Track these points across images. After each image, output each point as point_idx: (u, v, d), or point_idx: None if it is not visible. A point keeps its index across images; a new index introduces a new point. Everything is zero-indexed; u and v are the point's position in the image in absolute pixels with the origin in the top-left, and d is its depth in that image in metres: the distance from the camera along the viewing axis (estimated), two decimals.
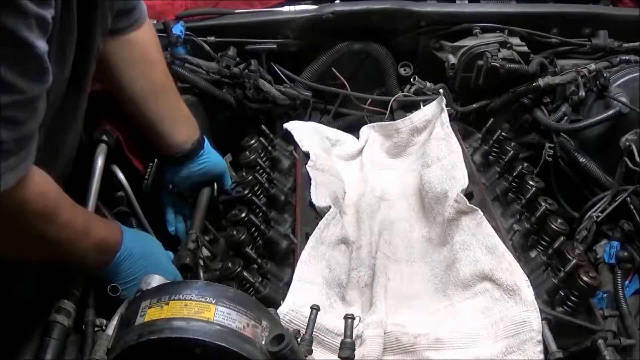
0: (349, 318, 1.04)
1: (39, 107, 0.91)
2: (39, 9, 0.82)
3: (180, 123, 1.49)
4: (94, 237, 1.12)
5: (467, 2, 2.02)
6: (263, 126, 1.75)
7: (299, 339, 0.95)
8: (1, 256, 1.01)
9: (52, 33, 0.89)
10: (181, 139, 1.48)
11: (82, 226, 1.09)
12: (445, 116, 1.73)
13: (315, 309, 1.03)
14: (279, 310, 1.12)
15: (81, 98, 1.19)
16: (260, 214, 1.45)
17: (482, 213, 1.37)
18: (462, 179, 1.50)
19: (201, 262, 1.45)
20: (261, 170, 1.58)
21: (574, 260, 1.23)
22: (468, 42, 1.86)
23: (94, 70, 1.19)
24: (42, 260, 1.09)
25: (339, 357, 1.01)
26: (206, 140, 1.56)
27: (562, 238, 1.31)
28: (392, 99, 1.93)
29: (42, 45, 0.84)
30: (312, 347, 0.98)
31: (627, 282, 1.47)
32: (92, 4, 1.09)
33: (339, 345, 1.02)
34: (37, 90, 0.88)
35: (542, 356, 1.13)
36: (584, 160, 1.66)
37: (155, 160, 1.52)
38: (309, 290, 1.24)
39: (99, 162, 1.37)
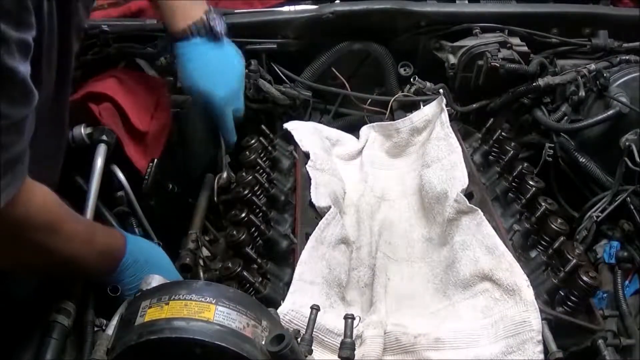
0: (349, 318, 1.04)
1: (26, 129, 0.89)
2: (20, 33, 0.80)
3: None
4: (98, 245, 1.12)
5: (467, 2, 2.01)
6: (263, 126, 1.74)
7: (299, 339, 0.95)
8: (5, 267, 1.01)
9: (41, 37, 0.87)
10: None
11: (85, 236, 1.09)
12: (445, 116, 1.72)
13: (315, 309, 1.03)
14: (279, 310, 1.12)
15: (66, 99, 1.18)
16: (260, 214, 1.45)
17: (482, 213, 1.37)
18: (462, 179, 1.50)
19: (201, 262, 1.45)
20: (261, 170, 1.58)
21: (574, 260, 1.23)
22: (468, 42, 1.86)
23: (73, 69, 1.18)
24: (46, 270, 1.09)
25: (339, 357, 1.01)
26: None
27: (562, 238, 1.31)
28: (392, 99, 1.92)
29: (24, 69, 0.82)
30: (312, 347, 0.98)
31: (627, 282, 1.47)
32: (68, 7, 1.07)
33: (339, 345, 1.02)
34: (23, 112, 0.87)
35: (542, 356, 1.13)
36: (584, 160, 1.66)
37: (155, 160, 1.52)
38: (309, 290, 1.24)
39: (99, 162, 1.37)
